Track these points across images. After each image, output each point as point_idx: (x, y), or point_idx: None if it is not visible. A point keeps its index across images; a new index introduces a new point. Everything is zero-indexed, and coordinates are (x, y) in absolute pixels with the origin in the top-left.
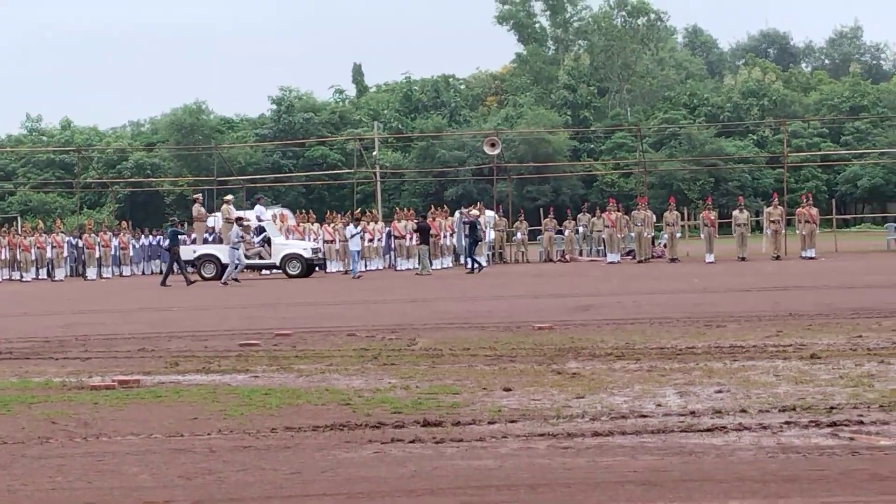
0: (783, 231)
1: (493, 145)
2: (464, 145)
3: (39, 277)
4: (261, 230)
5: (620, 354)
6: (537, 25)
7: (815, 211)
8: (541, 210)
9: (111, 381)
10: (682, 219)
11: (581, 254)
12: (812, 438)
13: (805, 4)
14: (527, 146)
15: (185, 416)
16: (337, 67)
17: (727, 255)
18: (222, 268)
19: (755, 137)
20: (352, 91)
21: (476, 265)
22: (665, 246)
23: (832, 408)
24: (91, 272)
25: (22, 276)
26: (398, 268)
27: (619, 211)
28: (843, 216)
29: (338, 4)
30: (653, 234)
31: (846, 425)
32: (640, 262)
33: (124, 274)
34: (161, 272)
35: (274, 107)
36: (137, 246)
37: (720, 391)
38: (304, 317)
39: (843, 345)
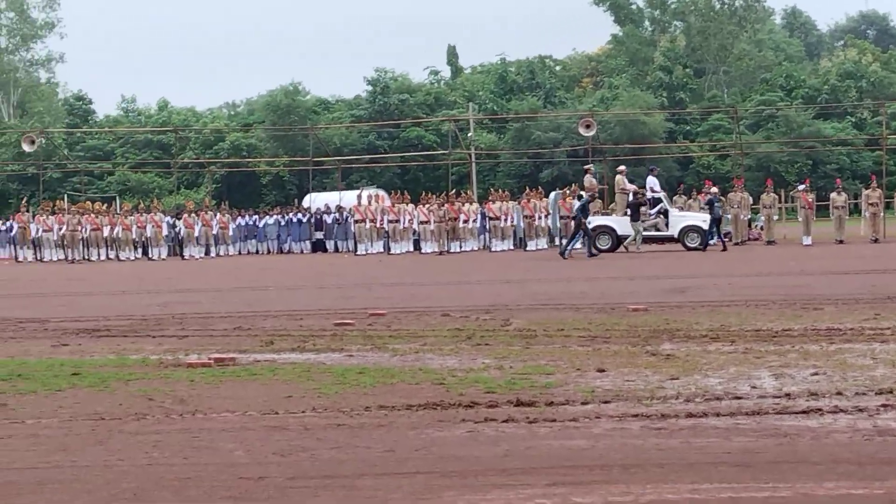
0: (882, 214)
1: (588, 126)
2: (559, 127)
3: (138, 257)
4: (657, 202)
5: (715, 336)
6: (634, 6)
7: None
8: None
9: (207, 358)
10: (780, 201)
11: None
12: None
13: None
14: (622, 128)
15: (279, 393)
16: (432, 49)
17: (825, 238)
18: (618, 239)
19: (853, 119)
20: (447, 73)
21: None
22: (762, 228)
23: None
24: (193, 251)
25: (118, 255)
26: (493, 249)
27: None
28: None
29: None
30: (749, 216)
31: None
32: (736, 244)
33: (221, 254)
34: (256, 252)
35: (369, 88)
36: (234, 226)
37: (816, 374)
38: (399, 297)
39: None
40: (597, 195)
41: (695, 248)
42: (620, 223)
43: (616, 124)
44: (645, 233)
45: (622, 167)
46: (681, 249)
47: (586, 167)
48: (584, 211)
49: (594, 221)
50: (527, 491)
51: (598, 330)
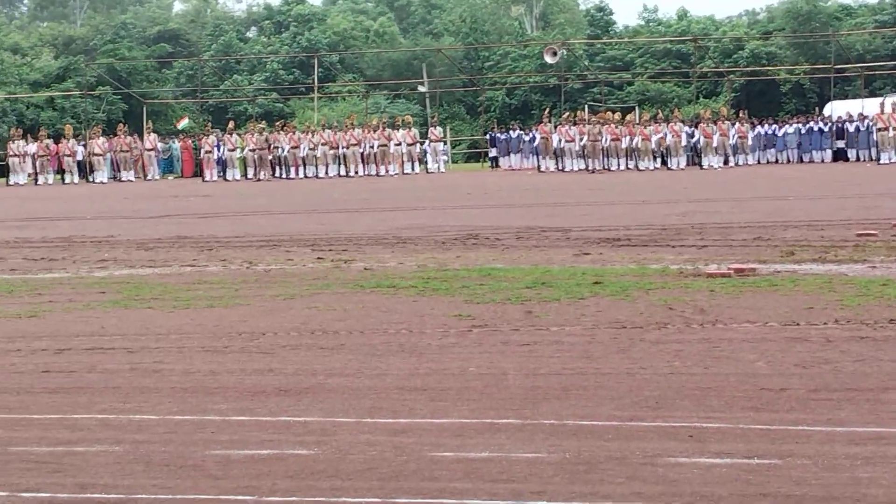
0: None
1: None
2: None
3: (656, 167)
4: None
5: None
6: None
7: None
8: None
9: (727, 268)
10: None
11: None
12: None
13: None
14: None
15: (800, 305)
16: None
17: None
18: None
19: None
20: None
21: None
22: None
23: None
24: (711, 160)
25: (637, 165)
26: None
27: None
28: None
29: None
30: None
31: None
32: None
33: (739, 163)
34: (776, 161)
35: None
36: (753, 135)
37: None
38: None
39: None
40: None
41: None
42: None
43: None
44: None
45: None
46: None
47: None
48: None
49: None
50: None
51: None
